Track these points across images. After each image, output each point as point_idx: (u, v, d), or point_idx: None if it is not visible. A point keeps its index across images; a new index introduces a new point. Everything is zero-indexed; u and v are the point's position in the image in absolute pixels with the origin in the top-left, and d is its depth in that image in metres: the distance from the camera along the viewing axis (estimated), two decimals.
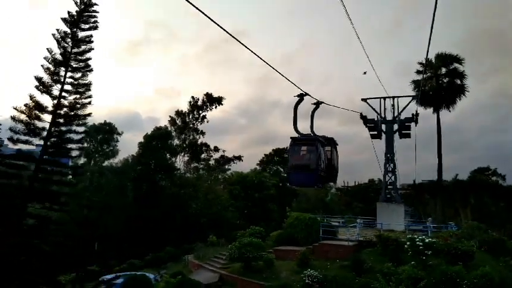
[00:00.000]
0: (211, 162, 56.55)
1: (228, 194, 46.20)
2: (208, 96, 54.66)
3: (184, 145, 52.23)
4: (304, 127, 20.45)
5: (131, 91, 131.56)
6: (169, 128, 51.36)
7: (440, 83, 40.55)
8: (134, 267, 29.68)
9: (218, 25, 8.13)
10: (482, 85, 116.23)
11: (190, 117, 53.82)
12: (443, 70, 40.68)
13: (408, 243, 21.16)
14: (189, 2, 6.97)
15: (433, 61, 40.39)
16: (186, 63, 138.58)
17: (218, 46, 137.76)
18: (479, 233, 25.13)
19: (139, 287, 19.47)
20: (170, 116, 53.80)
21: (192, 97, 54.53)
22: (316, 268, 21.60)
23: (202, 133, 54.51)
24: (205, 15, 7.68)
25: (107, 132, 52.19)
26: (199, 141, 53.24)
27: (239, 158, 58.14)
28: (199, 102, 54.25)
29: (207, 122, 54.38)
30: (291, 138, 19.47)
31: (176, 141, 50.79)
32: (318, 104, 19.74)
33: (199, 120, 53.82)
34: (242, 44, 9.24)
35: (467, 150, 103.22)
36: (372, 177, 66.91)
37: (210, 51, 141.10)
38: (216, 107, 54.95)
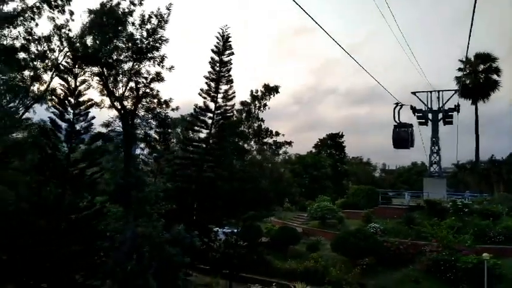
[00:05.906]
0: (265, 147, 63.27)
1: (290, 172, 53.82)
2: (266, 86, 61.50)
3: (250, 131, 59.86)
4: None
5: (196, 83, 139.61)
6: (236, 117, 59.10)
7: (477, 78, 45.93)
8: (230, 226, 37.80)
9: (307, 14, 9.09)
10: None
11: (252, 106, 61.09)
12: (481, 67, 46.04)
13: (450, 203, 28.23)
14: None
15: (472, 59, 45.73)
16: (252, 55, 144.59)
17: (284, 40, 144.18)
18: (508, 201, 31.68)
19: (254, 232, 27.75)
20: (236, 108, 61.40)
21: (251, 90, 61.44)
22: (378, 223, 29.19)
23: (262, 120, 61.37)
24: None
25: None
26: (262, 127, 60.23)
27: (289, 143, 64.65)
28: (259, 93, 61.19)
29: (269, 108, 60.66)
30: (394, 125, 35.18)
31: (244, 129, 58.62)
32: (401, 105, 35.71)
33: (261, 109, 60.83)
34: (324, 30, 11.78)
35: None
36: (414, 160, 72.73)
37: (276, 44, 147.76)
38: (274, 95, 61.50)
